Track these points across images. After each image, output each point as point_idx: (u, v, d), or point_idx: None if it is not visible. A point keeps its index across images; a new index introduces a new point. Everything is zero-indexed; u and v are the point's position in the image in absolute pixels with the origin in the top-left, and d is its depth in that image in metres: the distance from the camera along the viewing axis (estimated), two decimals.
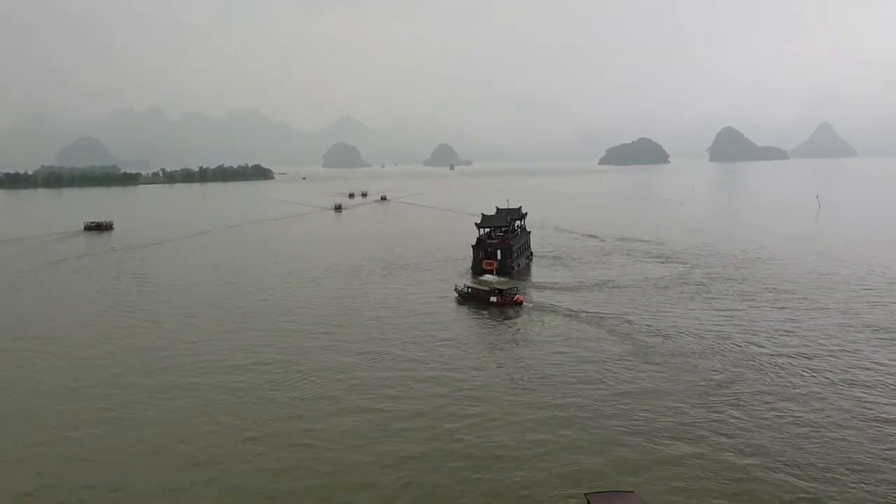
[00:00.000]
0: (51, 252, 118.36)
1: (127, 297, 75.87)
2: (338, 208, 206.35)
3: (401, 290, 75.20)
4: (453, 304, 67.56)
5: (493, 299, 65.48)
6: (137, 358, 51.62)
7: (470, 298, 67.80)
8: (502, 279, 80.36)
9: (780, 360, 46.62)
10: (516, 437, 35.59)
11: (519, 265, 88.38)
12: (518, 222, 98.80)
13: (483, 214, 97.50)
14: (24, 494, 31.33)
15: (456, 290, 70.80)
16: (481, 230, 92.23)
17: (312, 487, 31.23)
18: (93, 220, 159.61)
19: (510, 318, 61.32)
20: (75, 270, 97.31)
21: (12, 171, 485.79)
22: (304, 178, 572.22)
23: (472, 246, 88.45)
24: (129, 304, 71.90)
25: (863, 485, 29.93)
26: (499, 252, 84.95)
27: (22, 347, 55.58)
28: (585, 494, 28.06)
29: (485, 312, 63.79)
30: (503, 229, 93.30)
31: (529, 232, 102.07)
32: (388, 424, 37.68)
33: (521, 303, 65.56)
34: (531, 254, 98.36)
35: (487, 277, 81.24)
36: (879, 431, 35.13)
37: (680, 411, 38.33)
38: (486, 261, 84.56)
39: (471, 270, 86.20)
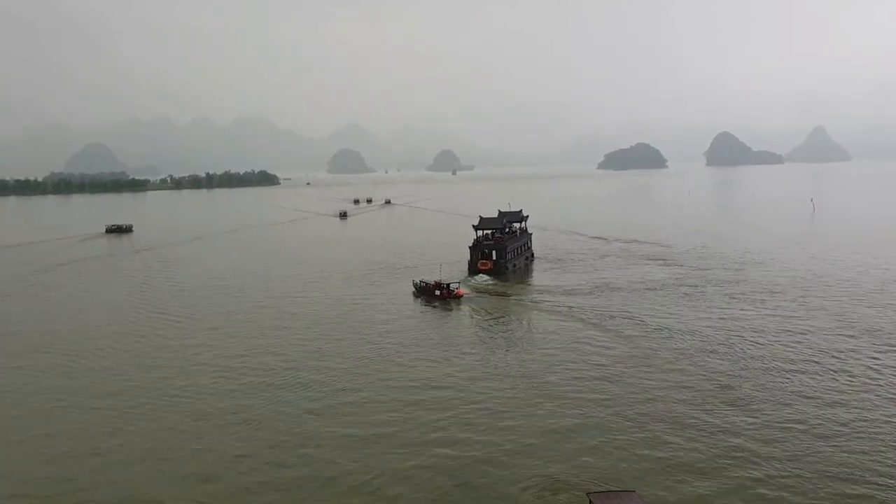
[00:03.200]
0: (80, 251, 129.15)
1: (156, 297, 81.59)
2: (343, 215, 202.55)
3: (400, 291, 78.66)
4: (450, 306, 70.89)
5: (438, 293, 72.11)
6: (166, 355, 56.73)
7: (422, 292, 74.78)
8: (494, 279, 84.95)
9: (779, 363, 47.05)
10: (516, 438, 35.97)
11: (515, 265, 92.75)
12: (517, 224, 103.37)
13: (481, 217, 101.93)
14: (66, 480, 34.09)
15: (413, 284, 77.63)
16: (478, 232, 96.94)
17: (309, 488, 31.70)
18: (114, 224, 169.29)
19: (497, 316, 65.19)
20: (107, 268, 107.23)
21: (23, 178, 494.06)
22: (307, 184, 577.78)
23: (469, 247, 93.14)
24: (159, 303, 77.32)
25: (859, 484, 30.54)
26: (493, 253, 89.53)
27: (98, 336, 61.15)
28: (587, 494, 28.26)
29: (438, 306, 69.78)
30: (502, 231, 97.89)
31: (530, 234, 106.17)
32: (385, 424, 38.30)
33: (461, 296, 72.38)
34: (532, 255, 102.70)
35: (481, 277, 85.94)
36: (877, 432, 35.70)
37: (680, 412, 38.78)
38: (480, 261, 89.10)
39: (467, 270, 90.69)
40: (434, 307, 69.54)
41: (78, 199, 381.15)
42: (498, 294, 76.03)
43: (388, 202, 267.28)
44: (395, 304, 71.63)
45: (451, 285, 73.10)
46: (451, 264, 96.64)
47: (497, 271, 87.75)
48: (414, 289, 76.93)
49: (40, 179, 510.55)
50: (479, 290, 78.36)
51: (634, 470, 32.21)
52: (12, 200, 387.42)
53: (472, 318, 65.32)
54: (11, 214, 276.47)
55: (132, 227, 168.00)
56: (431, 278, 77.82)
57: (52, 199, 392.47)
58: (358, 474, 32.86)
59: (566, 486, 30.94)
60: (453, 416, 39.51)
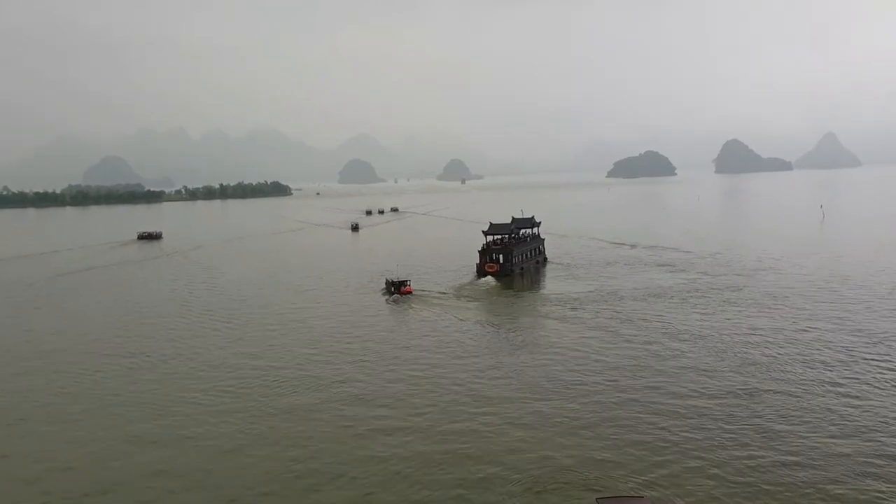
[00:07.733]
0: (120, 255, 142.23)
1: (191, 297, 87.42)
2: (354, 228, 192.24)
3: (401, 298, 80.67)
4: (401, 300, 76.55)
5: (392, 289, 79.76)
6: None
7: (387, 287, 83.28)
8: (499, 281, 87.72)
9: (793, 372, 46.50)
10: (525, 442, 36.07)
11: (523, 268, 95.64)
12: (529, 230, 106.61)
13: (491, 223, 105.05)
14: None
15: (385, 281, 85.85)
16: (488, 237, 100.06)
17: (316, 488, 32.37)
18: (145, 231, 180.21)
19: (496, 317, 67.75)
20: (146, 269, 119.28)
21: (41, 190, 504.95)
22: (317, 194, 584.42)
23: (479, 251, 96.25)
24: (203, 303, 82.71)
25: (869, 495, 30.16)
26: (500, 256, 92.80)
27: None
28: (597, 500, 27.92)
29: (392, 300, 77.30)
30: (510, 236, 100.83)
31: (543, 239, 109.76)
32: (389, 426, 38.87)
33: (411, 293, 78.59)
34: (545, 259, 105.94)
35: (487, 279, 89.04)
36: (886, 443, 35.20)
37: (692, 419, 38.78)
38: (487, 264, 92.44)
39: (476, 273, 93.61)
40: (392, 303, 76.49)
41: (96, 211, 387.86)
42: (468, 297, 78.79)
43: (394, 210, 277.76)
44: (399, 311, 73.51)
45: (405, 283, 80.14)
46: (462, 269, 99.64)
47: (503, 273, 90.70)
48: (384, 285, 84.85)
49: (58, 191, 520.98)
50: (482, 291, 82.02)
51: (645, 476, 32.06)
52: (31, 212, 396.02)
53: (461, 321, 66.07)
54: (40, 225, 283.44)
55: (161, 234, 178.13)
56: (429, 281, 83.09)
57: (70, 211, 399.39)
58: (358, 474, 33.21)
59: (575, 491, 30.88)
60: (458, 422, 39.49)
